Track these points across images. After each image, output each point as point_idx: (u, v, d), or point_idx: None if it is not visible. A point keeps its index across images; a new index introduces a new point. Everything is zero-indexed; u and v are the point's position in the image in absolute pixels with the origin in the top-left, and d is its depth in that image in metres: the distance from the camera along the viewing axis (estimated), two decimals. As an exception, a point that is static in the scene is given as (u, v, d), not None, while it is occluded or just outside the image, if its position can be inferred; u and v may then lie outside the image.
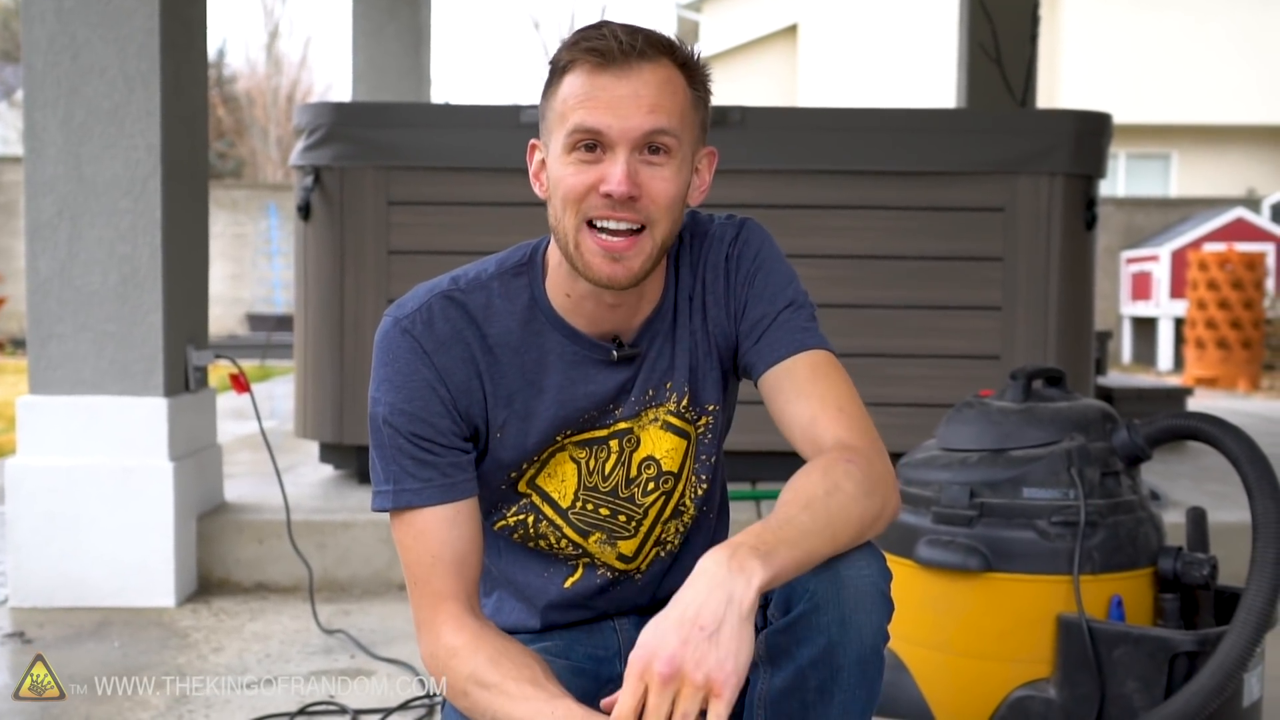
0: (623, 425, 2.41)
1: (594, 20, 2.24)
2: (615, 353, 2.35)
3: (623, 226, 2.17)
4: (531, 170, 2.33)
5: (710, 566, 1.92)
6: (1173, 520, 4.65)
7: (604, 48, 2.14)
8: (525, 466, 2.40)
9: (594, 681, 2.44)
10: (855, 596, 2.06)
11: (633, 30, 2.17)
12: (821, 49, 28.68)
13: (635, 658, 1.89)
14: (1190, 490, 6.32)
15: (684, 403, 2.41)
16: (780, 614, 2.10)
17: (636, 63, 2.15)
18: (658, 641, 1.88)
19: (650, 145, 2.17)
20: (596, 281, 2.21)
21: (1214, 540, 3.62)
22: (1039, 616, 3.31)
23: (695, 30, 32.75)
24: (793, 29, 29.34)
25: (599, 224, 2.17)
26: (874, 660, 2.09)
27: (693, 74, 2.24)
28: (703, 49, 24.02)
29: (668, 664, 1.85)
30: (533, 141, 2.34)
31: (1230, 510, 5.48)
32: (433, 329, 2.29)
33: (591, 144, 2.16)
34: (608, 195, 2.15)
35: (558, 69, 2.21)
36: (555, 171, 2.21)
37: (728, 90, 27.98)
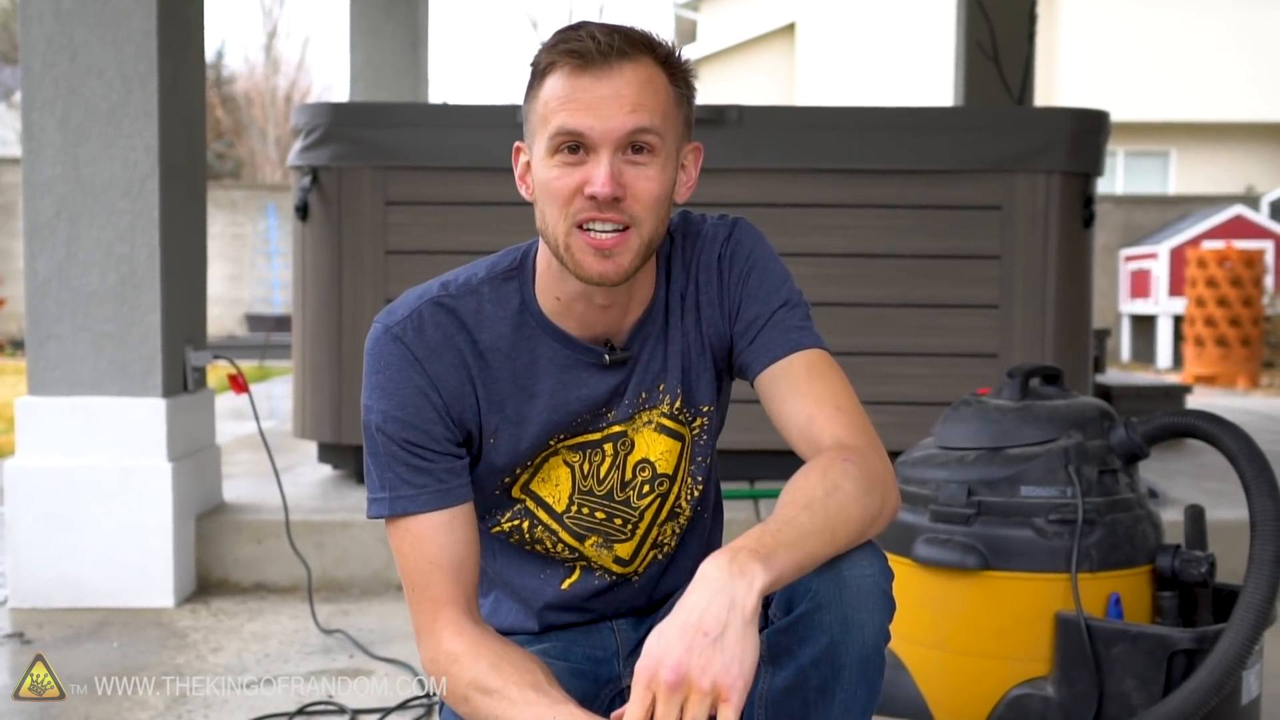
0: (616, 429, 2.40)
1: (574, 22, 2.23)
2: (607, 356, 2.35)
3: (609, 227, 2.16)
4: (517, 173, 2.33)
5: (711, 571, 1.92)
6: (1171, 518, 4.66)
7: (582, 49, 2.13)
8: (519, 471, 2.40)
9: (593, 683, 2.45)
10: (857, 595, 2.06)
11: (611, 30, 2.16)
12: (820, 48, 28.67)
13: (641, 667, 1.89)
14: (1188, 488, 6.32)
15: (677, 404, 2.41)
16: (782, 614, 2.11)
17: (616, 62, 2.14)
18: (663, 649, 1.88)
19: (633, 145, 2.16)
20: (588, 280, 2.20)
21: (1212, 538, 3.62)
22: (1037, 614, 3.31)
23: (693, 29, 32.76)
24: (790, 28, 29.34)
25: (587, 226, 2.17)
26: (875, 659, 2.10)
27: (674, 71, 2.23)
28: (698, 47, 24.00)
29: (673, 671, 1.85)
30: (517, 144, 2.33)
31: (1228, 508, 5.48)
32: (423, 335, 2.28)
33: (575, 145, 2.15)
34: (592, 197, 2.14)
35: (538, 71, 2.20)
36: (540, 174, 2.20)
37: (725, 89, 28.04)
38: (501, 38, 70.35)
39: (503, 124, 5.94)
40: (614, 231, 2.16)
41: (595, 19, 2.25)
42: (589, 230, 2.17)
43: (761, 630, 2.12)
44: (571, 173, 2.16)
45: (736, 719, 1.85)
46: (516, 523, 2.45)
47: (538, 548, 2.47)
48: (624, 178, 2.15)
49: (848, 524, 2.07)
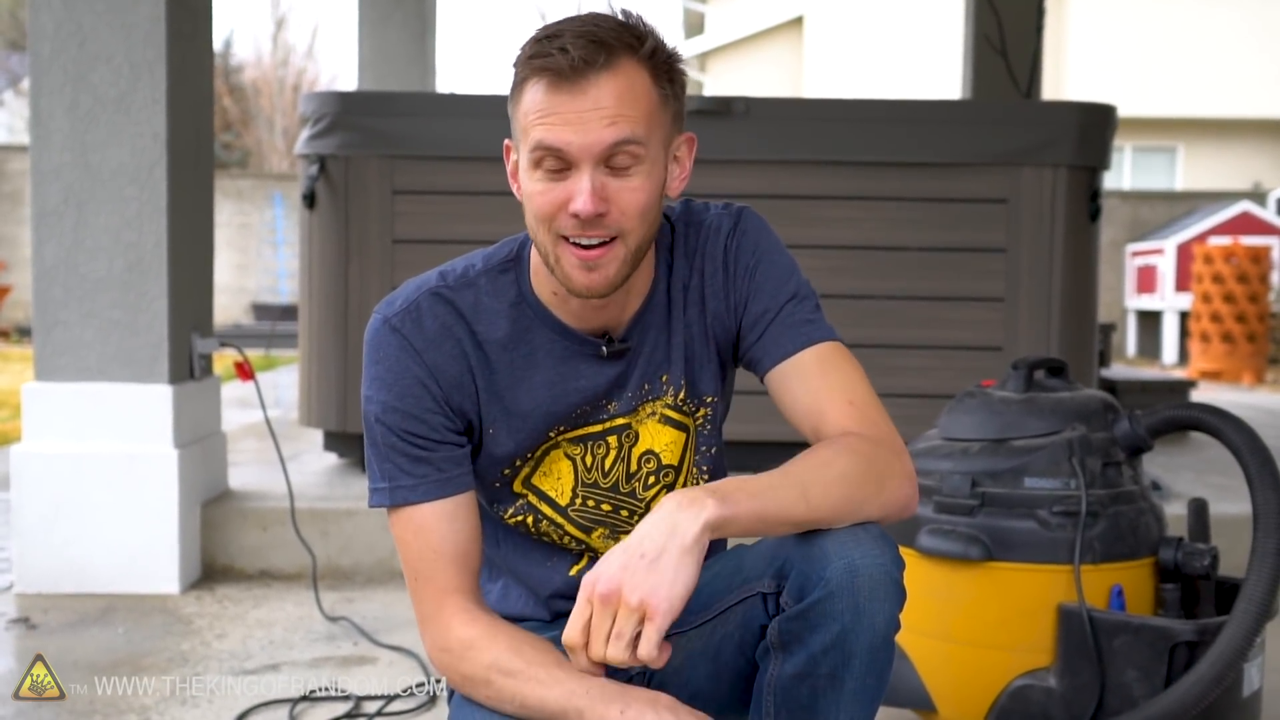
0: (620, 421, 2.40)
1: (550, 25, 2.17)
2: (604, 349, 2.34)
3: (594, 240, 2.15)
4: (509, 170, 2.31)
5: (664, 503, 2.01)
6: (1175, 512, 4.66)
7: (556, 65, 2.09)
8: (519, 464, 2.40)
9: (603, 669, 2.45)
10: (869, 584, 2.06)
11: (590, 37, 2.11)
12: (827, 40, 28.67)
13: (584, 581, 2.00)
14: (1192, 482, 6.32)
15: (681, 395, 2.41)
16: (793, 601, 2.11)
17: (593, 75, 2.09)
18: (603, 567, 1.98)
19: (615, 156, 2.12)
20: (576, 292, 2.21)
21: (1216, 532, 3.63)
22: (1040, 606, 3.32)
23: (701, 22, 32.73)
24: (799, 20, 29.33)
25: (573, 239, 2.16)
26: (885, 648, 2.10)
27: (659, 67, 2.18)
28: (706, 40, 23.86)
29: (606, 585, 1.97)
30: (507, 141, 2.31)
31: (1232, 502, 5.49)
32: (421, 326, 2.28)
33: (555, 160, 2.12)
34: (575, 215, 2.12)
35: (517, 80, 2.17)
36: (525, 185, 2.18)
37: (733, 81, 28.04)
38: (509, 27, 70.32)
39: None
40: (600, 245, 2.15)
41: (552, 27, 2.17)
42: (575, 242, 2.15)
43: (773, 617, 2.15)
44: (554, 188, 2.14)
45: (658, 638, 1.95)
46: (521, 518, 2.44)
47: (544, 539, 2.48)
48: (607, 191, 2.13)
49: (827, 493, 2.09)
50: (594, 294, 2.21)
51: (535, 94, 2.13)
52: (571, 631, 2.00)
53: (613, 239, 2.16)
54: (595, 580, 1.97)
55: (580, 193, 2.11)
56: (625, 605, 1.95)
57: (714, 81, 28.94)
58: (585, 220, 2.12)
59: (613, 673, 2.10)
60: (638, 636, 1.96)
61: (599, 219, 2.13)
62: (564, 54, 2.09)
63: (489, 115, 6.11)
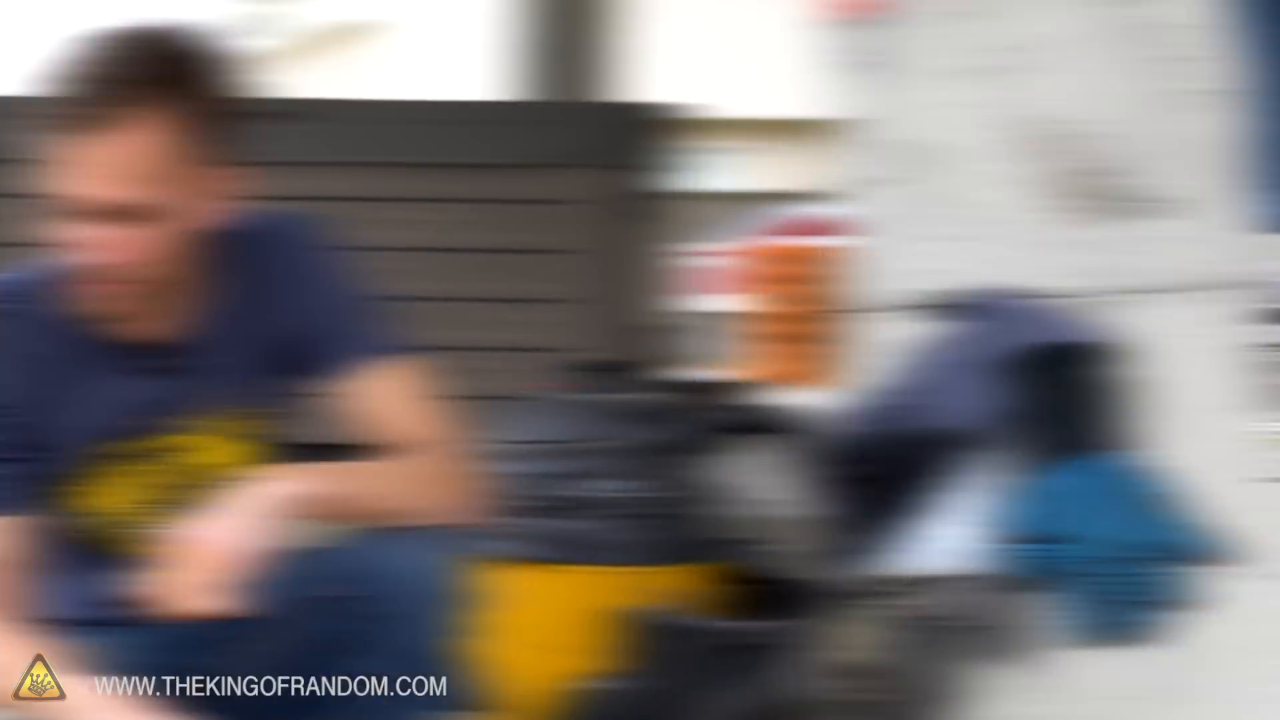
0: (175, 438, 2.32)
1: (92, 41, 2.08)
2: (154, 363, 2.26)
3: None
4: None
5: (243, 479, 2.08)
6: (741, 514, 4.77)
7: (64, 114, 2.03)
8: (69, 483, 2.29)
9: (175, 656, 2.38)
10: (427, 589, 2.14)
11: (99, 90, 2.03)
12: (413, 43, 28.56)
13: (160, 541, 2.03)
14: (756, 484, 6.46)
15: (241, 409, 2.34)
16: (356, 605, 2.12)
17: (96, 133, 2.02)
18: (179, 528, 2.02)
19: (113, 212, 2.05)
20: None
21: (778, 533, 3.71)
22: (603, 609, 3.34)
23: (271, 22, 32.21)
24: (381, 24, 29.17)
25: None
26: (441, 652, 2.17)
27: (190, 109, 2.08)
28: (281, 36, 23.24)
29: (179, 539, 1.99)
30: None
31: (794, 504, 5.62)
32: None
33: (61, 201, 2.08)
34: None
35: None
36: None
37: (312, 81, 27.69)
38: (56, 23, 68.31)
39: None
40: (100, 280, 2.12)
41: (145, 29, 2.10)
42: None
43: (336, 621, 2.15)
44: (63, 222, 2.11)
45: (232, 584, 1.97)
46: (74, 534, 2.36)
47: (101, 551, 2.40)
48: (103, 242, 2.07)
49: (395, 488, 2.19)
50: (100, 320, 2.18)
51: (54, 132, 2.06)
52: (151, 588, 1.98)
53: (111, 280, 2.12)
54: (170, 538, 1.98)
55: (74, 242, 2.08)
56: (197, 555, 1.95)
57: (290, 82, 28.54)
58: (81, 267, 2.09)
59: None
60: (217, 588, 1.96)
61: (92, 267, 2.09)
62: (70, 105, 2.03)
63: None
